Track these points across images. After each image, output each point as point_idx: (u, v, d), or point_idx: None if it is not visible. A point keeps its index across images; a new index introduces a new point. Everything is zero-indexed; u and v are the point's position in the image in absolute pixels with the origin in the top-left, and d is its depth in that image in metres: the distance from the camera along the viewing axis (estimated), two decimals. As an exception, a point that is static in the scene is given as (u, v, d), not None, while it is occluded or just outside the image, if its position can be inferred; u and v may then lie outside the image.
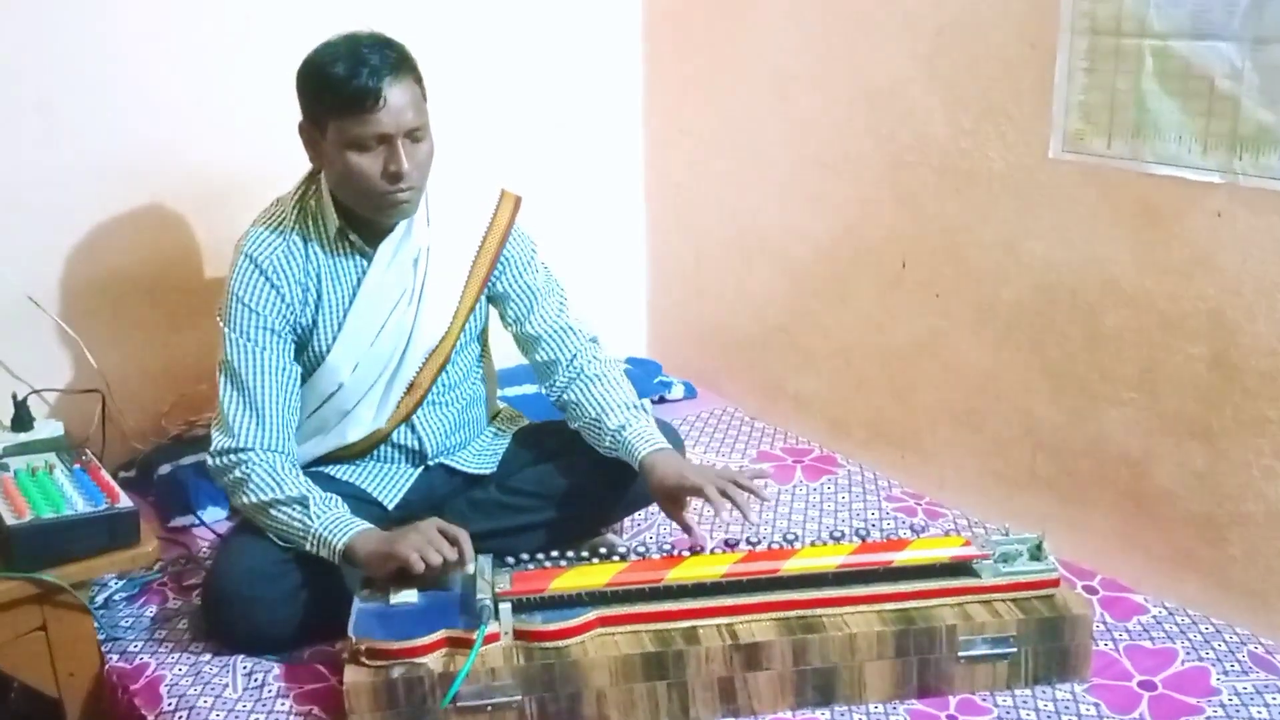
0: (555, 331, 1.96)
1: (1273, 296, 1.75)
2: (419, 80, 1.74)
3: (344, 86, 1.67)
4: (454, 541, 1.63)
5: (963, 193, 2.15)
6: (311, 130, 1.75)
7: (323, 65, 1.69)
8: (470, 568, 1.64)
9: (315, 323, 1.84)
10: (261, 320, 1.79)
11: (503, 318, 1.99)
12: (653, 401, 2.70)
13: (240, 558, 1.75)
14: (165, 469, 2.20)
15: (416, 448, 1.96)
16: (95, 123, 2.18)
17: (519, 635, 1.56)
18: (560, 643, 1.55)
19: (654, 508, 2.10)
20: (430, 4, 2.47)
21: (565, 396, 1.95)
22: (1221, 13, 1.72)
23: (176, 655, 1.76)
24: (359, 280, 1.84)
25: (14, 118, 2.10)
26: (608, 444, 1.87)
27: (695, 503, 1.83)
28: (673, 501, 1.81)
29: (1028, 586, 1.65)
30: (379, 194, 1.73)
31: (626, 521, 2.09)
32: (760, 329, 2.69)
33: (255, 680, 1.68)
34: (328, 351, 1.85)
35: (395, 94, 1.68)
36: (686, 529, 1.82)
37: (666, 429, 1.99)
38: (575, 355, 1.95)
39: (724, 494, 1.74)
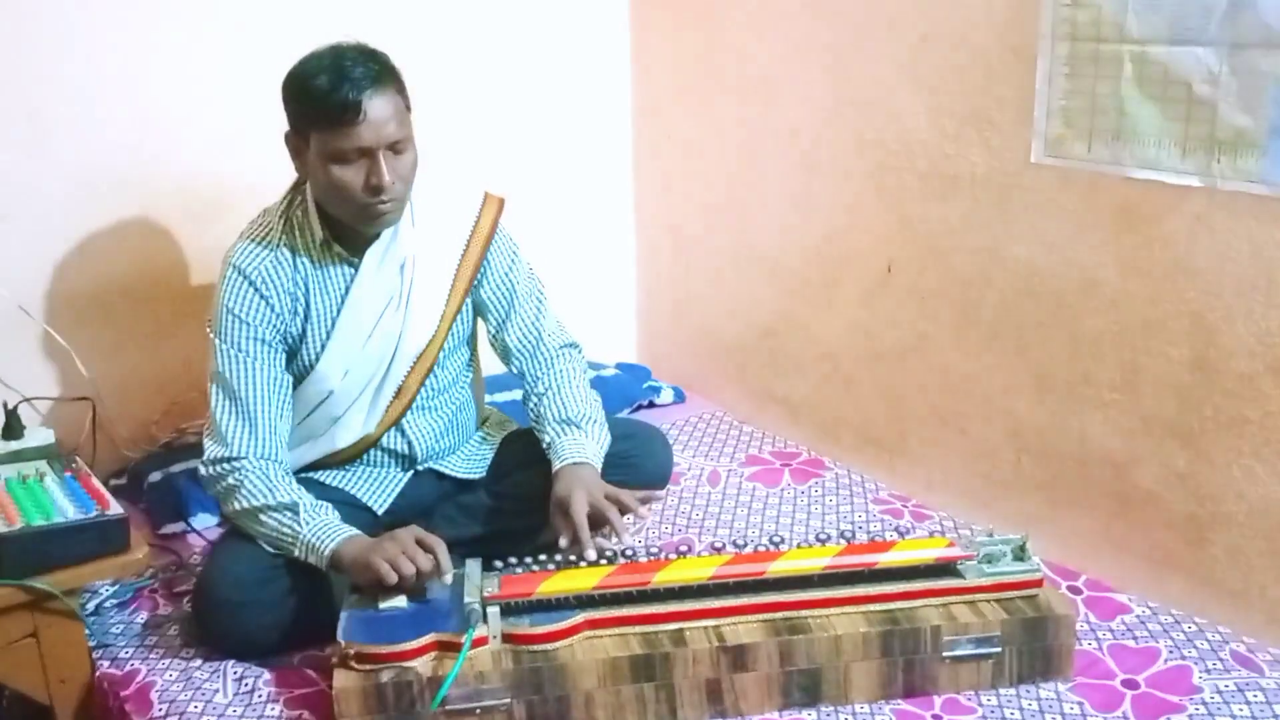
0: (527, 342, 1.98)
1: (1251, 298, 1.77)
2: (402, 91, 1.74)
3: (325, 100, 1.67)
4: (430, 551, 1.64)
5: (946, 197, 2.17)
6: (296, 141, 1.76)
7: (306, 77, 1.70)
8: (448, 578, 1.64)
9: (304, 331, 1.85)
10: (251, 331, 1.80)
11: (485, 325, 2.01)
12: (642, 406, 2.71)
13: (230, 564, 1.76)
14: (156, 476, 2.21)
15: (406, 452, 1.97)
16: (84, 132, 2.19)
17: (507, 638, 1.57)
18: (548, 646, 1.56)
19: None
20: (420, 9, 2.48)
21: (531, 412, 1.97)
22: (1199, 18, 1.74)
23: (167, 661, 1.76)
24: (346, 288, 1.85)
25: (3, 127, 2.11)
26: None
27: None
28: (559, 515, 1.76)
29: (1011, 587, 1.66)
30: (360, 205, 1.74)
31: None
32: (748, 333, 2.71)
33: (245, 685, 1.69)
34: (317, 359, 1.86)
35: (376, 107, 1.68)
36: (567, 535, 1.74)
37: (646, 429, 2.02)
38: (539, 369, 1.97)
39: (598, 511, 1.72)
